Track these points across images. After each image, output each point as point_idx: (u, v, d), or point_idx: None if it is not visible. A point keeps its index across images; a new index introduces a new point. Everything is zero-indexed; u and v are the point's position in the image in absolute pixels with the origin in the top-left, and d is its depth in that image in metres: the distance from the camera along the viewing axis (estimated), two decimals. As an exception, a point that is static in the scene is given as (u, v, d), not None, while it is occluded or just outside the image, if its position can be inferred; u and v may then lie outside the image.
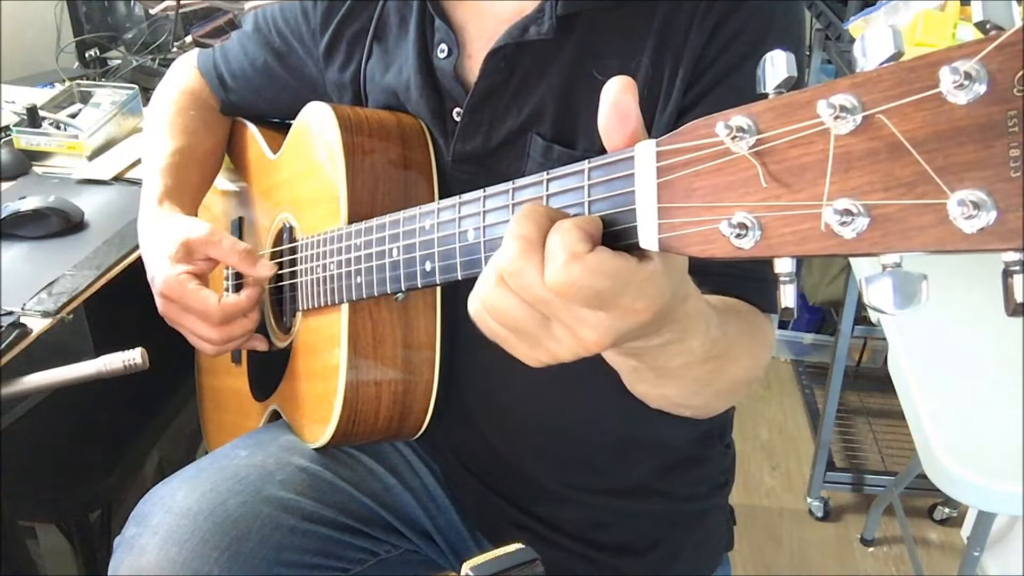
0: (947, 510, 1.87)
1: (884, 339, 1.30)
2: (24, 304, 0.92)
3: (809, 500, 1.89)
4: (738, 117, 0.33)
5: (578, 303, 0.40)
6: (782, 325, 2.33)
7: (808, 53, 1.89)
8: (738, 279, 0.64)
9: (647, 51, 0.66)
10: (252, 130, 0.96)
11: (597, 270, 0.38)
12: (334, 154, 0.74)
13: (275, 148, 0.90)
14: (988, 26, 0.27)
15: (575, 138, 0.69)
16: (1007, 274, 0.27)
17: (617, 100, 0.40)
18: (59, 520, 1.21)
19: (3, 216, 1.04)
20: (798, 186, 0.31)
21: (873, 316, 1.40)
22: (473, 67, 0.72)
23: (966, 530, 1.83)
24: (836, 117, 0.30)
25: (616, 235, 0.40)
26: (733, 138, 0.33)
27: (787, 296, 0.34)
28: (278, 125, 0.96)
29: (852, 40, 1.67)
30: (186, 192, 0.89)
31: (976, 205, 0.27)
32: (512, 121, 0.70)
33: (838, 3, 1.88)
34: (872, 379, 2.18)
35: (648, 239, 0.38)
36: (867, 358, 2.26)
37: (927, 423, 1.05)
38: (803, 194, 0.31)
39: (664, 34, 0.66)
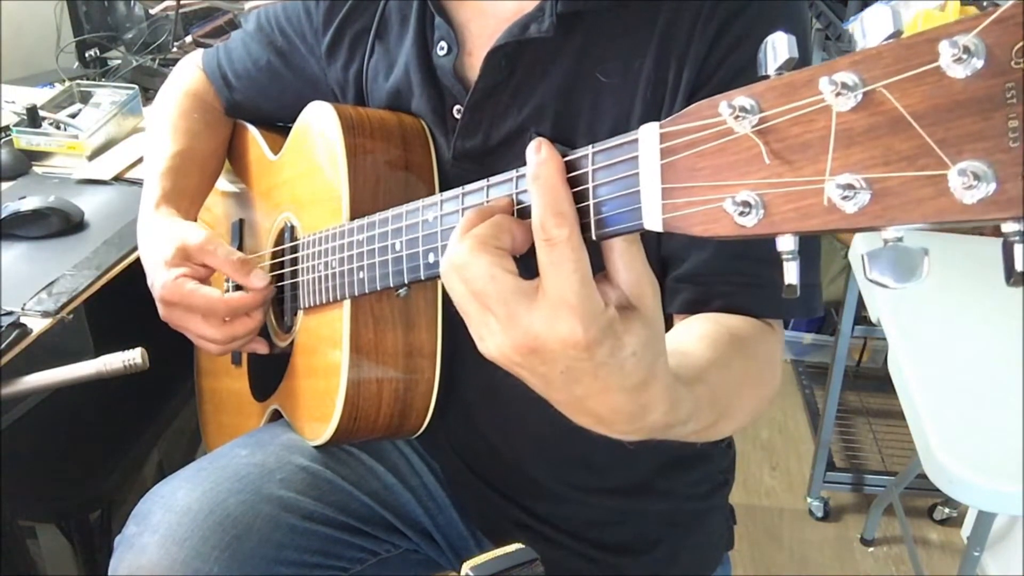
0: (947, 510, 1.87)
1: (884, 339, 1.31)
2: (24, 304, 0.91)
3: (809, 500, 1.89)
4: (741, 97, 0.34)
5: (466, 281, 0.43)
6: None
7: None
8: (746, 287, 0.64)
9: (650, 52, 0.66)
10: (252, 132, 0.97)
11: (574, 232, 0.41)
12: (336, 154, 0.74)
13: (276, 149, 0.91)
14: (985, 2, 0.28)
15: (575, 138, 0.69)
16: (1007, 244, 0.27)
17: None
18: (59, 520, 1.20)
19: (3, 216, 1.04)
20: (800, 163, 0.32)
21: (873, 316, 1.40)
22: (474, 65, 0.72)
23: (966, 530, 1.83)
24: (837, 94, 0.30)
25: (621, 217, 0.41)
26: (736, 118, 0.34)
27: (790, 273, 0.35)
28: (278, 127, 0.97)
29: (852, 40, 1.68)
30: (184, 195, 0.89)
31: (976, 176, 0.27)
32: (512, 120, 0.71)
33: (838, 3, 1.88)
34: (872, 379, 2.19)
35: (652, 220, 0.38)
36: (867, 358, 2.27)
37: (927, 423, 1.05)
38: (806, 170, 0.32)
39: (667, 35, 0.65)
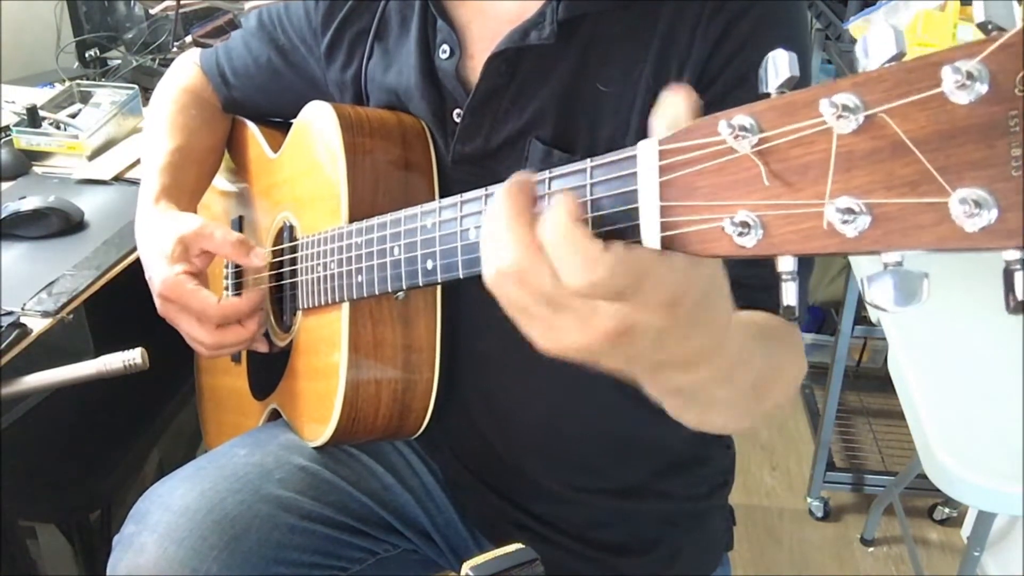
0: (947, 510, 1.87)
1: (884, 339, 1.30)
2: (24, 304, 0.92)
3: (809, 500, 1.89)
4: (740, 116, 0.34)
5: (604, 299, 0.39)
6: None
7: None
8: (761, 290, 0.63)
9: (650, 57, 0.66)
10: (252, 129, 0.96)
11: (619, 268, 0.38)
12: (335, 153, 0.74)
13: (275, 147, 0.91)
14: (990, 27, 0.28)
15: (575, 143, 0.69)
16: (1008, 272, 0.27)
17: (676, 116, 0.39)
18: (59, 520, 1.21)
19: (3, 216, 1.04)
20: (800, 185, 0.32)
21: (873, 316, 1.40)
22: (475, 68, 0.72)
23: (966, 530, 1.83)
24: (839, 116, 0.30)
25: (619, 233, 0.40)
26: (736, 137, 0.33)
27: (788, 294, 0.34)
28: (278, 124, 0.96)
29: (852, 40, 1.68)
30: (183, 191, 0.89)
31: (978, 204, 0.27)
32: (512, 124, 0.70)
33: (838, 3, 1.88)
34: (872, 379, 2.18)
35: (651, 238, 0.38)
36: (867, 358, 2.26)
37: (927, 423, 1.05)
38: (805, 193, 0.31)
39: (668, 38, 0.65)
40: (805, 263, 0.66)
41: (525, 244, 0.40)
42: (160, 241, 0.80)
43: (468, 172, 0.73)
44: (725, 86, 0.64)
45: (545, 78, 0.69)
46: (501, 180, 0.48)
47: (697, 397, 0.49)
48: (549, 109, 0.69)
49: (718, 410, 0.53)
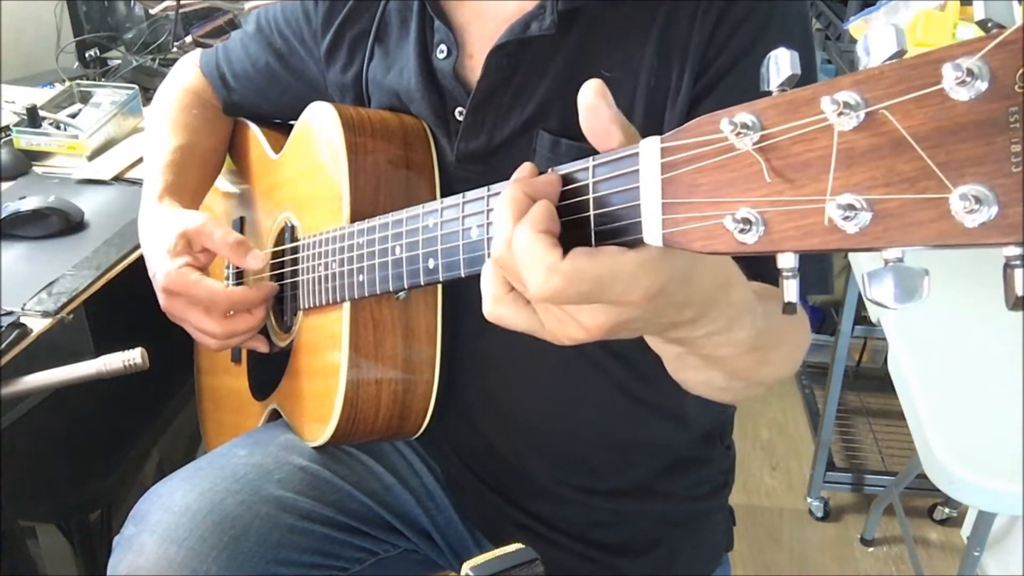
0: (947, 510, 1.87)
1: (884, 339, 1.30)
2: (24, 304, 0.91)
3: (809, 500, 1.89)
4: (742, 114, 0.34)
5: (569, 304, 0.41)
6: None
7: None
8: (764, 260, 0.64)
9: (650, 44, 0.66)
10: (254, 130, 0.97)
11: (576, 277, 0.39)
12: (337, 154, 0.74)
13: (277, 148, 0.91)
14: (989, 24, 0.28)
15: (582, 133, 0.69)
16: (1008, 268, 0.27)
17: (591, 104, 0.42)
18: (59, 520, 1.20)
19: (3, 216, 1.04)
20: (801, 182, 0.32)
21: (873, 316, 1.40)
22: (474, 67, 0.72)
23: (966, 530, 1.83)
24: (840, 113, 0.30)
25: (621, 231, 0.41)
26: (737, 134, 0.34)
27: (789, 291, 0.35)
28: (280, 125, 0.97)
29: (852, 40, 1.68)
30: (186, 189, 0.89)
31: (978, 200, 0.27)
32: (516, 118, 0.71)
33: (838, 3, 1.88)
34: (872, 379, 2.19)
35: (652, 235, 0.38)
36: (867, 358, 2.27)
37: (927, 423, 1.05)
38: (806, 189, 0.32)
39: (667, 28, 0.66)
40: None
41: (507, 240, 0.42)
42: (162, 237, 0.80)
43: (473, 170, 0.73)
44: (725, 67, 0.65)
45: (546, 69, 0.69)
46: (506, 177, 0.48)
47: (700, 350, 0.50)
48: (553, 99, 0.69)
49: (717, 368, 0.54)
